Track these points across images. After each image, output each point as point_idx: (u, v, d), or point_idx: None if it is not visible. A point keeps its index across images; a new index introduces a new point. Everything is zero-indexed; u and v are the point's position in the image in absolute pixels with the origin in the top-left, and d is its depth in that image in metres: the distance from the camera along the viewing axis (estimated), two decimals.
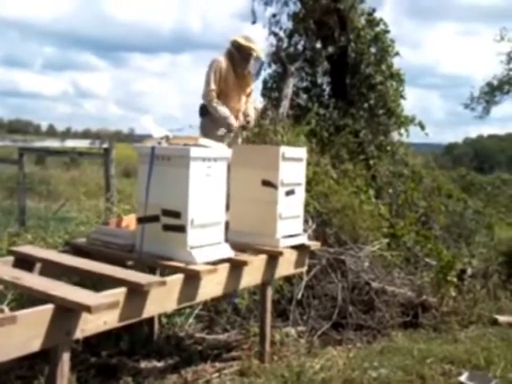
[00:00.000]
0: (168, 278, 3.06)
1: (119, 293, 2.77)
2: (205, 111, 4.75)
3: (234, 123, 4.66)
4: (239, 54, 4.67)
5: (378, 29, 8.37)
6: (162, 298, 3.01)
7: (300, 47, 8.57)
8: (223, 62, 4.65)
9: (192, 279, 3.16)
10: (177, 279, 3.10)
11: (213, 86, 4.58)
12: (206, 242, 3.31)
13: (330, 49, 8.27)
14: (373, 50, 8.39)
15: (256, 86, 7.87)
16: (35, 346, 2.42)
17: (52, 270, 3.29)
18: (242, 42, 4.69)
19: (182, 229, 3.19)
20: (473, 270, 6.03)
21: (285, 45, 8.49)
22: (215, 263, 3.33)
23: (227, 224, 3.68)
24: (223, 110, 4.60)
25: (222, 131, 4.64)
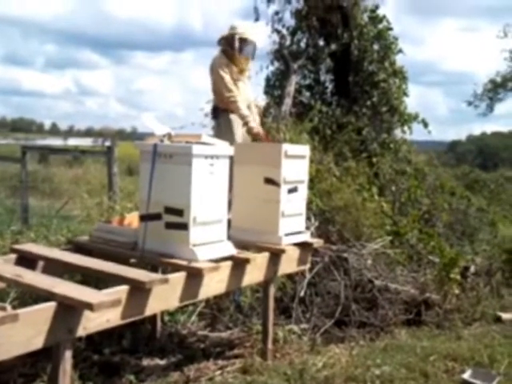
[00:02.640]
0: (170, 276, 3.06)
1: (121, 290, 2.77)
2: (218, 113, 4.76)
3: (254, 126, 4.71)
4: (229, 46, 4.69)
5: (380, 26, 8.34)
6: (165, 296, 3.01)
7: (303, 45, 8.54)
8: (223, 58, 4.69)
9: (194, 277, 3.16)
10: (179, 277, 3.10)
11: (231, 85, 4.62)
12: (208, 239, 3.31)
13: (333, 46, 8.25)
14: (376, 47, 8.36)
15: (258, 83, 7.88)
16: (37, 343, 2.42)
17: (54, 267, 3.30)
18: (224, 34, 4.73)
19: (184, 226, 3.19)
20: (476, 267, 6.01)
21: (287, 42, 8.46)
22: (218, 261, 3.33)
23: (229, 221, 3.67)
24: (245, 111, 4.65)
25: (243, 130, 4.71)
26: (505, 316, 5.22)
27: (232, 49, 4.65)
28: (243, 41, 4.66)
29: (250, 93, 4.96)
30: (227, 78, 4.62)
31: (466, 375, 3.63)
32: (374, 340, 4.50)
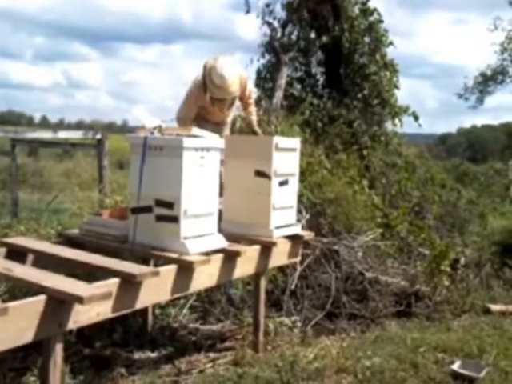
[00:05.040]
0: (161, 269, 3.05)
1: (112, 283, 2.76)
2: None
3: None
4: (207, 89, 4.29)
5: (371, 18, 8.33)
6: (156, 289, 3.01)
7: (294, 37, 8.53)
8: (200, 84, 4.30)
9: (185, 270, 3.16)
10: (170, 270, 3.10)
11: (188, 113, 4.38)
12: (199, 232, 3.31)
13: (324, 38, 8.23)
14: (367, 39, 8.36)
15: (250, 77, 7.84)
16: (27, 337, 2.41)
17: (44, 261, 3.28)
18: (207, 64, 4.22)
19: (175, 219, 3.19)
20: (466, 259, 6.05)
21: (278, 35, 8.44)
22: (208, 254, 3.33)
23: (220, 213, 3.66)
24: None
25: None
26: (494, 307, 5.26)
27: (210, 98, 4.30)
28: (212, 98, 4.29)
29: (227, 116, 4.69)
30: (191, 101, 4.37)
31: (456, 366, 3.66)
32: (364, 332, 4.53)
